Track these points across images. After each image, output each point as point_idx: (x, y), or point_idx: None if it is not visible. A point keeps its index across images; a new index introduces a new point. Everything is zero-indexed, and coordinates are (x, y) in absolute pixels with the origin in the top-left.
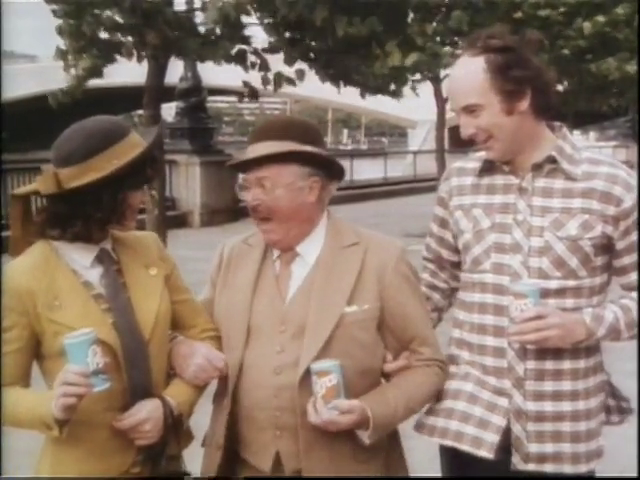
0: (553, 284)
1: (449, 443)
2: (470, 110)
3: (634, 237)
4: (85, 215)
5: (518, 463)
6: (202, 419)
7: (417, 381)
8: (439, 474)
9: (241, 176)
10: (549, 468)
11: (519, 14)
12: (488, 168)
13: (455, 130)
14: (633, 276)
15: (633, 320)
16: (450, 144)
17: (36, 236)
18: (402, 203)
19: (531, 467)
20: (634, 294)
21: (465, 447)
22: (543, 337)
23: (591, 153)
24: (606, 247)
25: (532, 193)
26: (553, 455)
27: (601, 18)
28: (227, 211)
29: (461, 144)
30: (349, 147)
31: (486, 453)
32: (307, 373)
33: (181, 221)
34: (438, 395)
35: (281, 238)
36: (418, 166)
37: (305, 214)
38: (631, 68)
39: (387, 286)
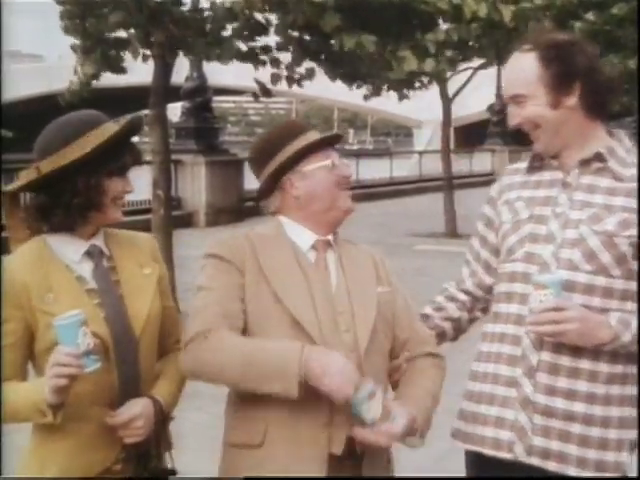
0: (581, 277)
1: (473, 448)
2: (517, 100)
3: None
4: (64, 203)
5: (521, 454)
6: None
7: (430, 382)
8: (443, 474)
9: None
10: (552, 467)
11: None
12: (537, 166)
13: (461, 130)
14: None
15: None
16: (456, 144)
17: (24, 232)
18: (408, 203)
19: (534, 461)
20: None
21: (487, 450)
22: (559, 330)
23: None
24: None
25: (575, 188)
26: (558, 454)
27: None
28: (232, 211)
29: (467, 144)
30: (355, 147)
31: (505, 454)
32: (366, 355)
33: (187, 221)
34: (465, 397)
35: None
36: (424, 166)
37: None
38: (633, 63)
39: (387, 275)
